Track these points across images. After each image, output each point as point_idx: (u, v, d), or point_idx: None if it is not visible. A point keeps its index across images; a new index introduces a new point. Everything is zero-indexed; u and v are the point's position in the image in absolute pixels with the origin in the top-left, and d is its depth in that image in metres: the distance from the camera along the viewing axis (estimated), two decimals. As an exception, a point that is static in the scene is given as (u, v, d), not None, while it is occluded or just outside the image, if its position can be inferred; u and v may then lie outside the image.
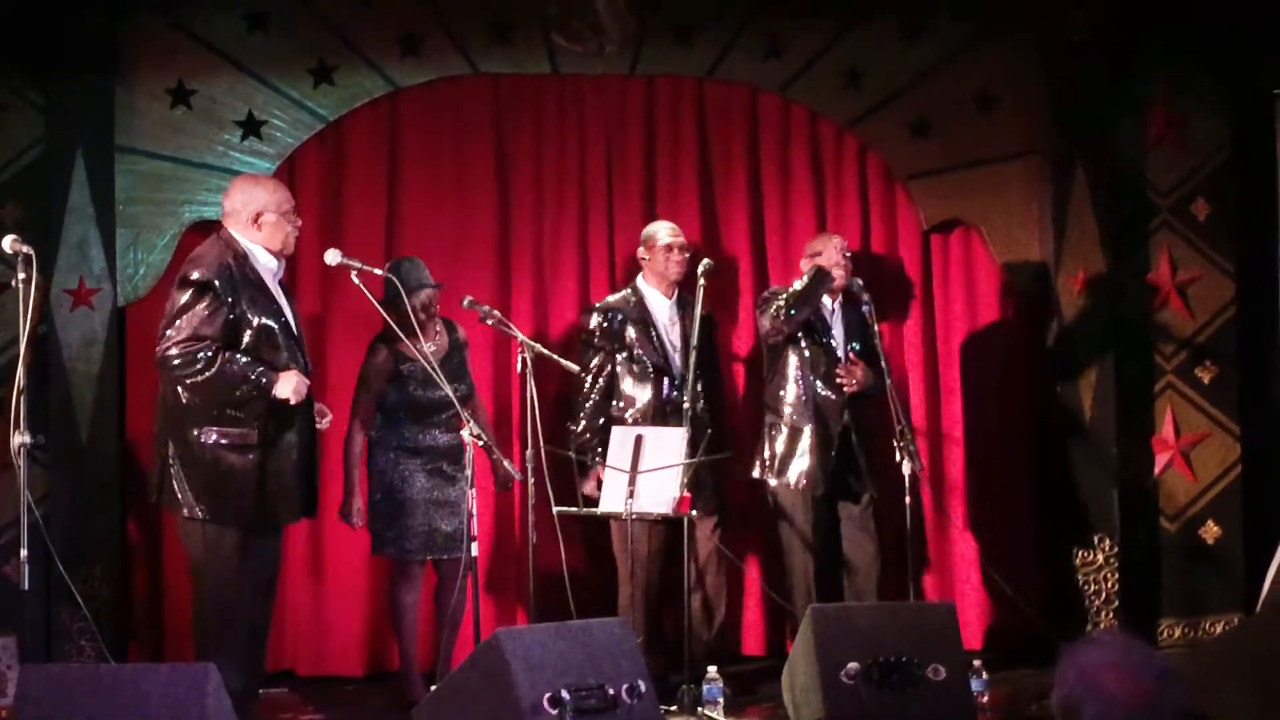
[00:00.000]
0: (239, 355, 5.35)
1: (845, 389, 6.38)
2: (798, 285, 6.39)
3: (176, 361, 5.32)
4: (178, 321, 5.35)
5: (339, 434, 6.24)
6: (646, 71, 7.00)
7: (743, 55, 6.97)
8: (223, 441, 5.38)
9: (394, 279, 5.86)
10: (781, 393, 6.53)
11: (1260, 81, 7.19)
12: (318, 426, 5.68)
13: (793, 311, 6.34)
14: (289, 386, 5.36)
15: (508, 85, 6.99)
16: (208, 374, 5.30)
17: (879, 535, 6.53)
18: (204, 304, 5.34)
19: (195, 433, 5.38)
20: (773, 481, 6.52)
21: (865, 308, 6.46)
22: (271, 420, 5.42)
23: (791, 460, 6.48)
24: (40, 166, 6.44)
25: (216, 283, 5.35)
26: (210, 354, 5.30)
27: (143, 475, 6.13)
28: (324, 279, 6.60)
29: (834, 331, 6.57)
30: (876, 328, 6.44)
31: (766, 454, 6.54)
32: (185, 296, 5.37)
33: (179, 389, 5.37)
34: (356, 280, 5.54)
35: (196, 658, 5.37)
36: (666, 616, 6.44)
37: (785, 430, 6.51)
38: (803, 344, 6.49)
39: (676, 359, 6.39)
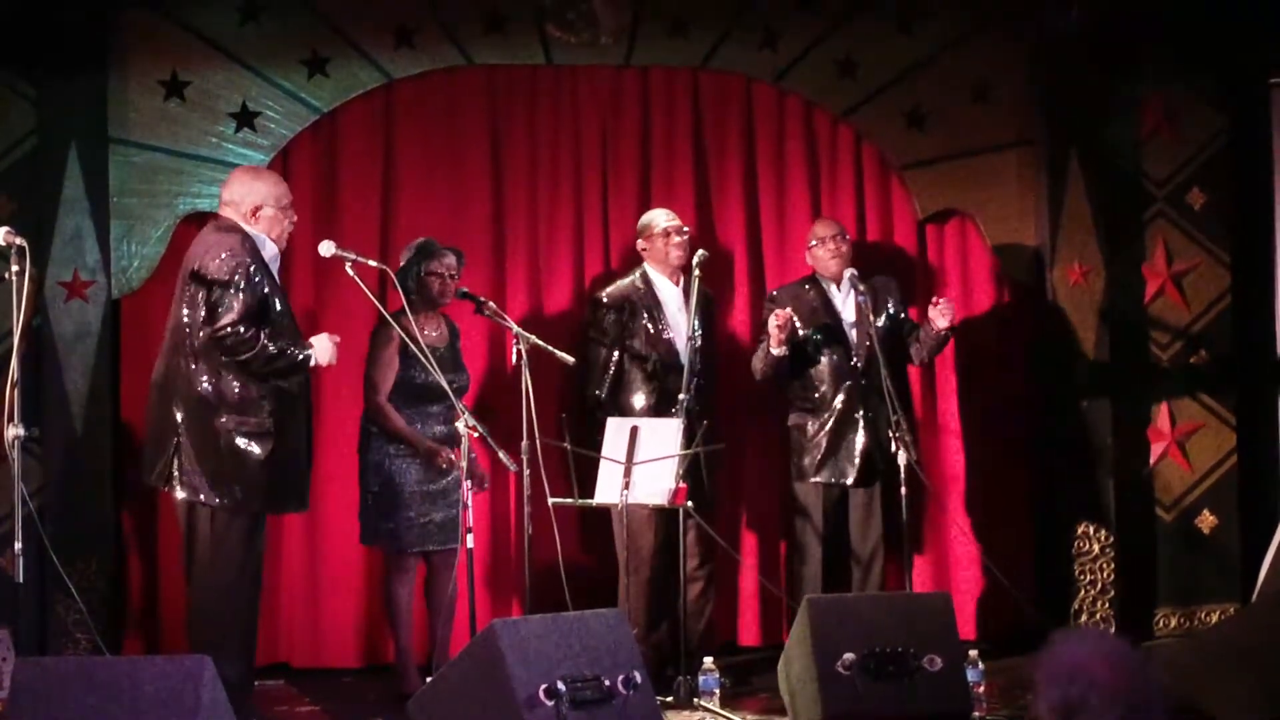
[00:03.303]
0: (273, 334, 5.53)
1: (947, 321, 6.45)
2: (760, 353, 6.52)
3: (230, 339, 5.45)
4: (225, 304, 5.46)
5: (336, 424, 6.26)
6: (641, 62, 6.99)
7: (737, 45, 6.96)
8: (242, 429, 5.49)
9: (413, 251, 6.17)
10: (798, 389, 6.54)
11: (1255, 70, 7.19)
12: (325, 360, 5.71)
13: (759, 377, 6.58)
14: (325, 351, 5.60)
15: (502, 76, 6.98)
16: (256, 348, 5.47)
17: (884, 525, 6.53)
18: (243, 287, 5.47)
19: (216, 421, 5.48)
20: (794, 476, 6.56)
21: (861, 298, 6.46)
22: (281, 408, 5.54)
23: (816, 455, 6.50)
24: (33, 159, 6.42)
25: (248, 266, 5.49)
26: (253, 333, 5.48)
27: (137, 459, 6.14)
28: (318, 270, 6.59)
29: (844, 320, 6.56)
30: (872, 317, 6.44)
31: (791, 451, 6.58)
32: (223, 279, 5.47)
33: (203, 376, 5.48)
34: (351, 271, 5.54)
35: (193, 649, 5.36)
36: (664, 608, 6.43)
37: (806, 425, 6.52)
38: (815, 338, 6.50)
39: (683, 348, 6.37)
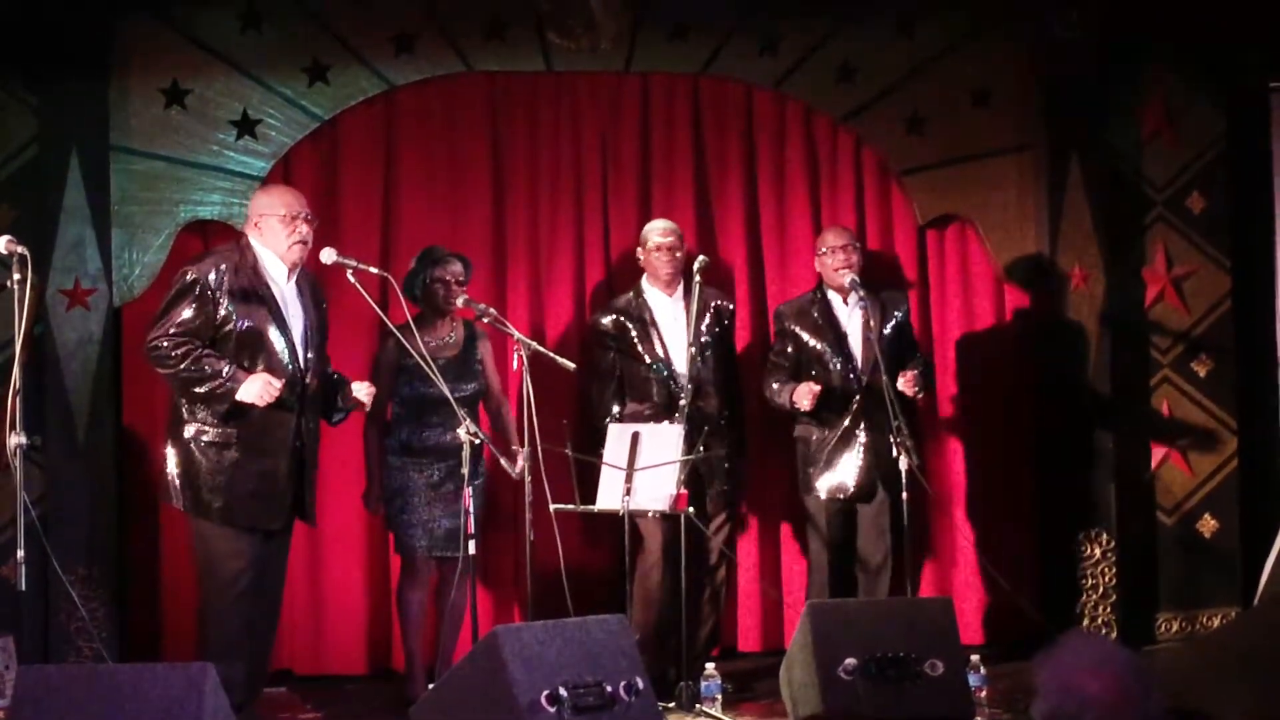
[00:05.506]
0: (218, 354, 5.42)
1: (912, 394, 6.46)
2: (776, 387, 6.51)
3: (155, 353, 5.44)
4: (164, 316, 5.46)
5: (337, 432, 6.26)
6: (641, 68, 7.00)
7: (737, 51, 6.97)
8: (202, 439, 5.46)
9: (419, 260, 6.21)
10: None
11: (1255, 73, 7.19)
12: (360, 398, 5.69)
13: (771, 404, 6.60)
14: (252, 390, 5.37)
15: (502, 83, 6.99)
16: (178, 367, 5.40)
17: (893, 534, 6.52)
18: (187, 301, 5.43)
19: (181, 427, 5.49)
20: (801, 488, 6.57)
21: (863, 304, 6.46)
22: (256, 421, 5.45)
23: (822, 469, 6.50)
24: (35, 167, 6.43)
25: (202, 281, 5.43)
26: (184, 349, 5.39)
27: (140, 466, 6.25)
28: (320, 278, 6.58)
29: (849, 335, 6.54)
30: (873, 323, 6.44)
31: (798, 462, 6.58)
32: (173, 292, 5.49)
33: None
34: (352, 279, 5.54)
35: (198, 650, 5.42)
36: (666, 613, 6.43)
37: (811, 438, 6.52)
38: (817, 348, 6.51)
39: (680, 357, 6.37)
